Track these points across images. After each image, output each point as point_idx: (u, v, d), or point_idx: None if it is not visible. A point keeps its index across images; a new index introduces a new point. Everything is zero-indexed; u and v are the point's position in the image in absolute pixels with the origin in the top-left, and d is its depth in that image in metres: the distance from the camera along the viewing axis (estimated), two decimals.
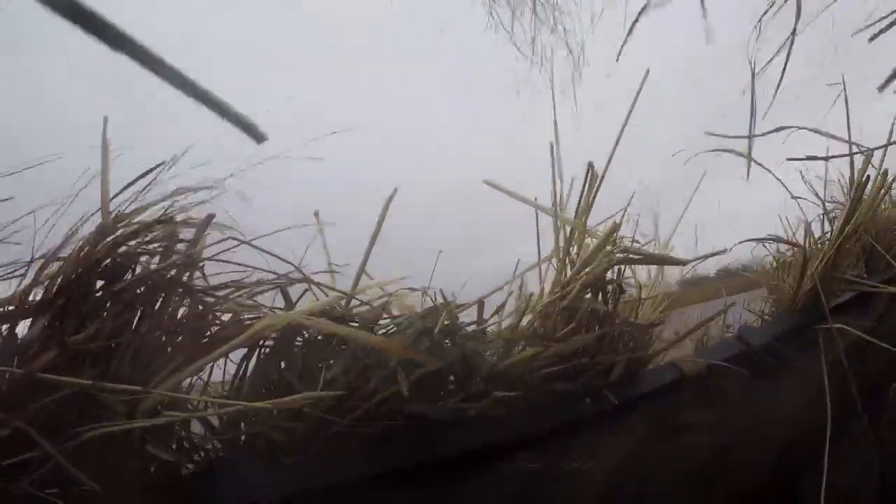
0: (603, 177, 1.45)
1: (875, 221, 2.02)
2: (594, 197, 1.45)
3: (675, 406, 1.62)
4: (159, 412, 1.20)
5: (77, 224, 1.33)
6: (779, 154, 2.00)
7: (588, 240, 1.47)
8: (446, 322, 1.31)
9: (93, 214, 1.35)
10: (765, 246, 2.02)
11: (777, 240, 1.88)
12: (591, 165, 1.42)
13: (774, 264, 1.99)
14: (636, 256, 1.45)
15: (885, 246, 2.05)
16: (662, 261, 1.52)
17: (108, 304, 1.25)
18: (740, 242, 1.79)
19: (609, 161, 1.45)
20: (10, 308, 1.25)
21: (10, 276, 1.31)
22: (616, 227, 1.42)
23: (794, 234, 2.07)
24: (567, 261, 1.44)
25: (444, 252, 1.43)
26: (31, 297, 1.27)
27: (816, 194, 2.09)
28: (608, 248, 1.43)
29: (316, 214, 1.50)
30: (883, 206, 2.05)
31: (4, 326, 1.26)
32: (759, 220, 2.16)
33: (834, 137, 1.97)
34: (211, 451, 1.30)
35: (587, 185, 1.43)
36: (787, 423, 2.01)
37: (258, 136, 0.77)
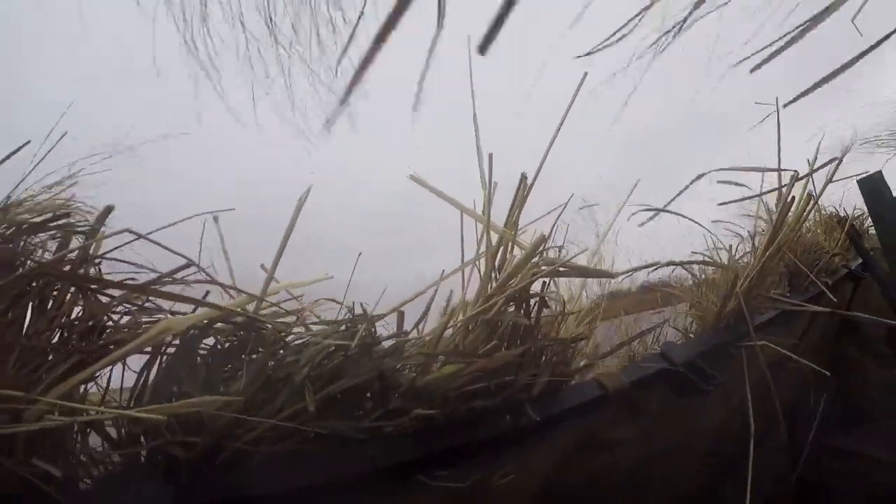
0: (532, 185, 1.44)
1: (799, 243, 2.12)
2: (521, 208, 1.44)
3: (598, 422, 1.64)
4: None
5: None
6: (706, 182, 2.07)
7: (515, 250, 1.46)
8: (364, 335, 1.27)
9: None
10: (684, 268, 2.07)
11: (706, 263, 1.94)
12: (524, 176, 1.42)
13: (698, 282, 2.05)
14: (564, 269, 1.44)
15: (808, 266, 2.15)
16: (591, 273, 1.53)
17: None
18: (668, 264, 1.83)
19: (539, 170, 1.44)
20: None
21: None
22: (543, 239, 1.41)
23: (717, 252, 2.14)
24: (493, 272, 1.43)
25: (362, 261, 1.39)
26: None
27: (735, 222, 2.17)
28: (534, 259, 1.43)
29: (215, 218, 1.42)
30: (806, 227, 2.14)
31: None
32: (684, 234, 2.23)
33: (755, 170, 2.04)
34: (108, 467, 1.22)
35: (518, 194, 1.42)
36: (710, 435, 2.08)
37: None
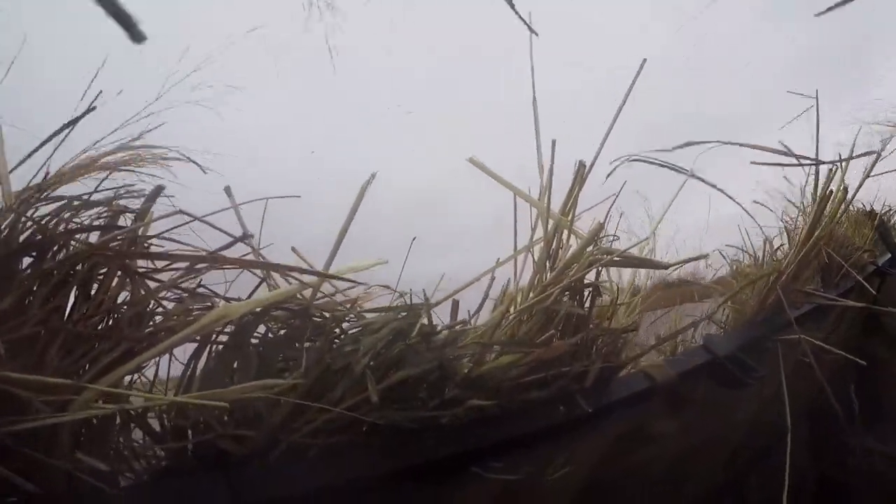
0: (588, 174, 1.42)
1: (833, 237, 2.13)
2: (578, 195, 1.42)
3: (646, 413, 1.63)
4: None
5: None
6: (741, 166, 2.06)
7: (570, 239, 1.44)
8: (422, 324, 1.25)
9: None
10: (723, 255, 2.08)
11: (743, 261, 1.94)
12: (581, 164, 1.40)
13: (737, 276, 2.06)
14: (618, 259, 1.43)
15: (842, 260, 2.17)
16: (644, 264, 1.52)
17: (35, 286, 1.10)
18: (713, 252, 1.83)
19: (595, 159, 1.42)
20: None
21: None
22: (600, 227, 1.40)
23: (752, 244, 2.15)
24: (547, 261, 1.41)
25: (416, 249, 1.36)
26: None
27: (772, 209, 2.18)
28: (590, 248, 1.41)
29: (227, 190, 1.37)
30: (840, 221, 2.16)
31: None
32: (718, 227, 2.23)
33: (792, 155, 2.05)
34: (154, 461, 1.18)
35: (575, 181, 1.40)
36: (744, 427, 2.09)
37: (137, 36, 0.68)
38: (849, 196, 2.02)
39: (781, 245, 2.10)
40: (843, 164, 2.03)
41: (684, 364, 1.69)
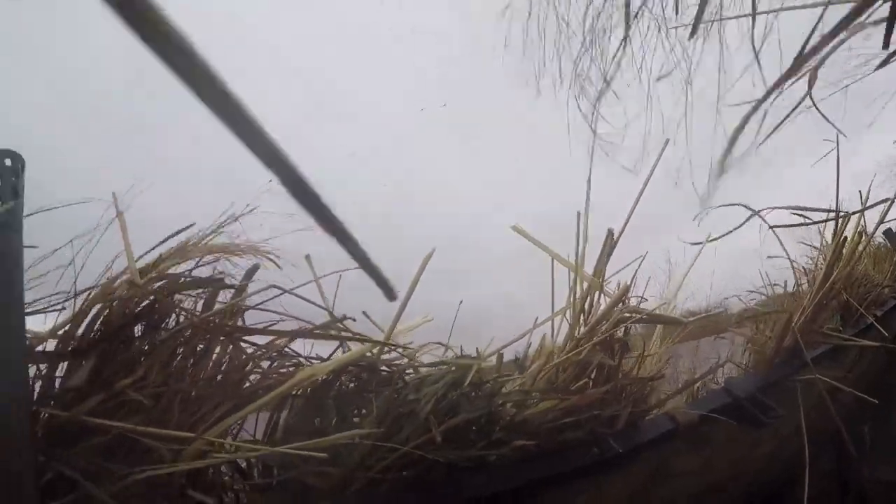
0: (618, 241, 1.66)
1: (849, 277, 2.33)
2: (608, 259, 1.66)
3: (670, 452, 1.85)
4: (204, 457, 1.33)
5: (110, 266, 1.44)
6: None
7: (600, 298, 1.68)
8: (474, 375, 1.50)
9: (116, 258, 1.46)
10: (739, 299, 2.29)
11: (765, 312, 2.15)
12: (610, 232, 1.64)
13: (755, 320, 2.26)
14: (641, 316, 1.66)
15: (859, 298, 2.36)
16: (664, 320, 1.75)
17: (151, 351, 1.37)
18: (732, 297, 2.05)
19: (624, 226, 1.66)
20: (53, 349, 1.36)
21: (45, 310, 1.41)
22: (627, 288, 1.64)
23: (771, 288, 2.35)
24: (581, 317, 1.65)
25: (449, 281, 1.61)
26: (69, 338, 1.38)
27: (788, 254, 2.38)
28: (619, 306, 1.65)
29: (307, 258, 1.64)
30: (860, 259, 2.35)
31: (44, 366, 1.37)
32: (732, 268, 2.46)
33: (806, 209, 2.27)
34: (244, 497, 1.44)
35: (605, 247, 1.64)
36: (762, 464, 2.29)
37: (391, 295, 0.95)
38: (864, 241, 2.22)
39: (800, 286, 2.31)
40: (859, 209, 2.24)
41: (706, 406, 1.91)
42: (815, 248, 2.38)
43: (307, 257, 1.56)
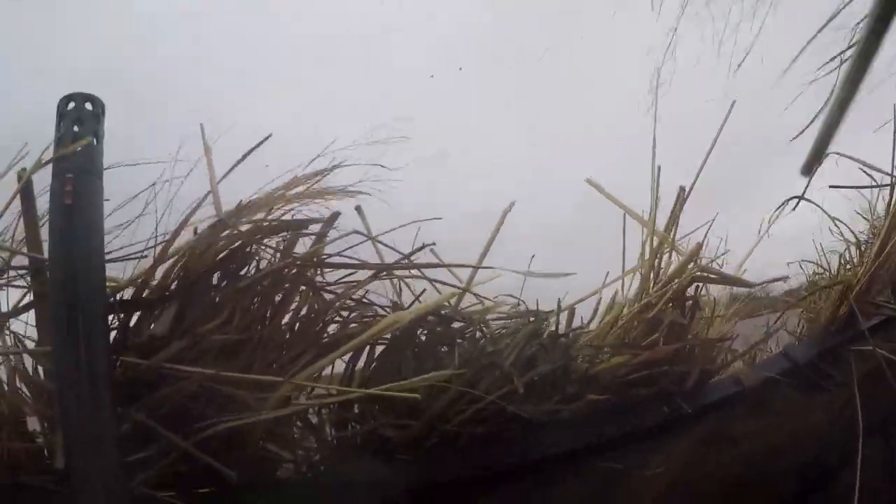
0: (688, 196, 1.67)
1: None
2: (679, 217, 1.67)
3: (732, 416, 1.85)
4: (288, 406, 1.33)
5: (189, 213, 1.43)
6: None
7: (670, 254, 1.68)
8: (553, 328, 1.50)
9: (199, 205, 1.45)
10: (801, 267, 2.30)
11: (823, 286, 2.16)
12: (682, 189, 1.64)
13: (810, 289, 2.27)
14: (713, 276, 1.67)
15: None
16: (735, 282, 1.76)
17: (233, 297, 1.36)
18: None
19: (693, 183, 1.66)
20: (133, 297, 1.35)
21: (127, 257, 1.41)
22: (699, 247, 1.64)
23: (827, 256, 2.35)
24: (652, 273, 1.65)
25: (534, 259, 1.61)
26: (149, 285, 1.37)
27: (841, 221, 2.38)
28: (691, 265, 1.65)
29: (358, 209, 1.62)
30: None
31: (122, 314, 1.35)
32: (788, 242, 2.45)
33: (868, 167, 2.26)
34: (324, 451, 1.44)
35: (676, 203, 1.65)
36: (819, 432, 2.29)
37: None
38: None
39: (855, 257, 2.30)
40: None
41: (765, 370, 1.91)
42: (868, 218, 2.38)
43: (357, 208, 1.54)
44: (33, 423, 1.37)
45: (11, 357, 1.39)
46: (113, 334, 1.33)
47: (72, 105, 1.22)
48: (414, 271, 1.46)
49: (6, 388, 1.37)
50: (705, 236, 1.70)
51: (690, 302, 1.69)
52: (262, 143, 1.48)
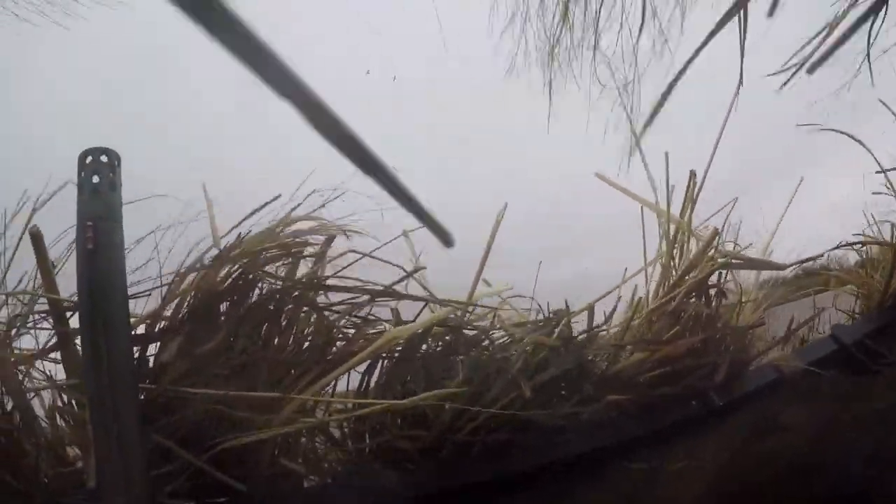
0: (703, 183, 1.61)
1: None
2: (695, 200, 1.61)
3: (775, 405, 1.78)
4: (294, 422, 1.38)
5: (194, 249, 1.50)
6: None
7: (690, 242, 1.63)
8: (562, 329, 1.48)
9: (201, 242, 1.52)
10: (852, 247, 2.17)
11: (872, 243, 2.04)
12: (693, 173, 1.59)
13: (862, 263, 2.14)
14: (737, 261, 1.60)
15: None
16: (763, 265, 1.69)
17: (237, 323, 1.42)
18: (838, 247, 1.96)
19: (707, 168, 1.61)
20: (144, 331, 1.43)
21: (141, 294, 1.49)
22: (717, 232, 1.58)
23: (878, 226, 2.22)
24: (671, 263, 1.61)
25: (542, 258, 1.60)
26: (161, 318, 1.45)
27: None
28: (710, 252, 1.60)
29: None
30: None
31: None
32: (831, 218, 2.33)
33: None
34: (336, 463, 1.49)
35: (689, 189, 1.59)
36: (879, 417, 2.17)
37: (448, 241, 0.95)
38: None
39: None
40: None
41: (811, 355, 1.83)
42: None
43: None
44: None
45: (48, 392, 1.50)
46: None
47: (90, 158, 1.30)
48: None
49: (43, 421, 1.48)
50: (725, 221, 1.64)
51: (715, 290, 1.64)
52: (269, 202, 1.52)
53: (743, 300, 1.74)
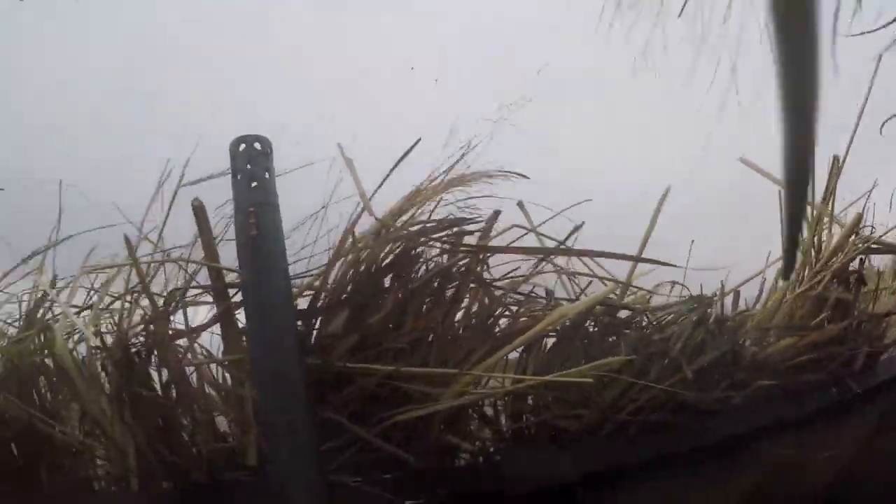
0: (842, 167, 1.64)
1: None
2: (835, 186, 1.64)
3: None
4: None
5: (350, 224, 1.52)
6: None
7: (830, 227, 1.66)
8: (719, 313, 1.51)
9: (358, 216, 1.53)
10: None
11: None
12: (835, 158, 1.62)
13: None
14: (879, 246, 1.63)
15: None
16: None
17: (404, 299, 1.44)
18: None
19: (847, 152, 1.63)
20: (310, 305, 1.45)
21: (302, 275, 1.51)
22: (860, 217, 1.61)
23: None
24: (813, 250, 1.63)
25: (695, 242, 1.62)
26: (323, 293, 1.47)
27: None
28: (852, 237, 1.62)
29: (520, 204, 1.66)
30: None
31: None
32: None
33: None
34: (499, 441, 1.50)
35: (831, 174, 1.62)
36: None
37: None
38: None
39: None
40: None
41: None
42: None
43: (519, 203, 1.58)
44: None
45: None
46: None
47: (243, 146, 1.34)
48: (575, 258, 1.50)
49: (200, 396, 1.50)
50: (864, 207, 1.67)
51: (855, 277, 1.66)
52: (412, 147, 1.55)
53: (880, 286, 1.77)
